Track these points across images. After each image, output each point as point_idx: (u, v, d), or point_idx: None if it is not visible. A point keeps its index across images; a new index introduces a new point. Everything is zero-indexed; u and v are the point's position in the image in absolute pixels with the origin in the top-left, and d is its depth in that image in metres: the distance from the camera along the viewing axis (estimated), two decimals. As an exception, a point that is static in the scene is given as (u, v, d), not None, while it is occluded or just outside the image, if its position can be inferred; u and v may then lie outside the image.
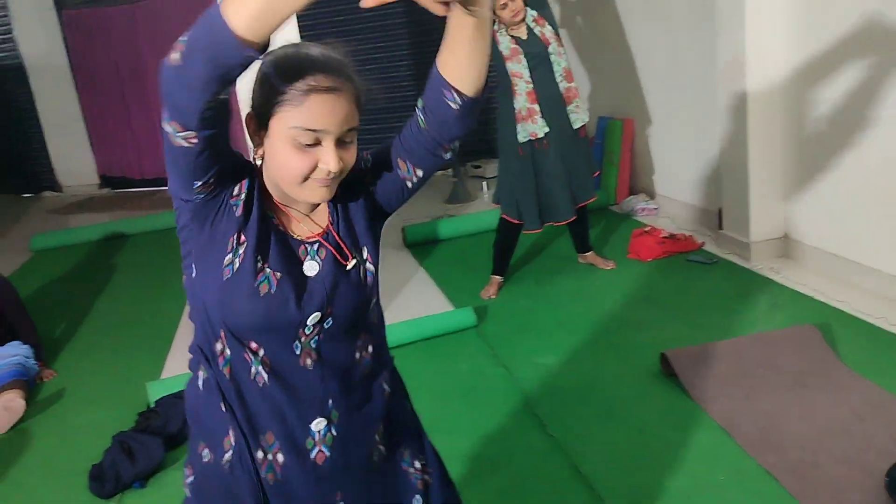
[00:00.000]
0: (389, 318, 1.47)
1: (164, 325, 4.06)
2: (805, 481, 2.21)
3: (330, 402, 1.23)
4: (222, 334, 1.21)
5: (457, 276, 4.26)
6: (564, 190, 3.82)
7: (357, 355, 1.25)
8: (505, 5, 3.60)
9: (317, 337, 1.20)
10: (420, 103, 1.19)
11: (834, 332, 3.09)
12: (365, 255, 1.23)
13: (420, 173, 1.25)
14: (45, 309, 4.48)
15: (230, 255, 1.17)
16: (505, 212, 3.90)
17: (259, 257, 1.17)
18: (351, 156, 1.15)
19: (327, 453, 1.23)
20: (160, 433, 2.82)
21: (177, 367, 3.46)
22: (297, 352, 1.20)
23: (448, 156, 1.23)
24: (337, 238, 1.22)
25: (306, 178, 1.13)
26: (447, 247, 4.98)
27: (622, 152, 5.36)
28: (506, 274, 4.10)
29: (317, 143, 1.11)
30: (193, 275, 1.22)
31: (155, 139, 7.82)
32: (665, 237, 4.35)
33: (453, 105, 1.13)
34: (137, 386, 3.33)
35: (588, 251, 4.26)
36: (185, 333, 3.91)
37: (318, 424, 1.22)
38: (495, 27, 3.66)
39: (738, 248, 4.10)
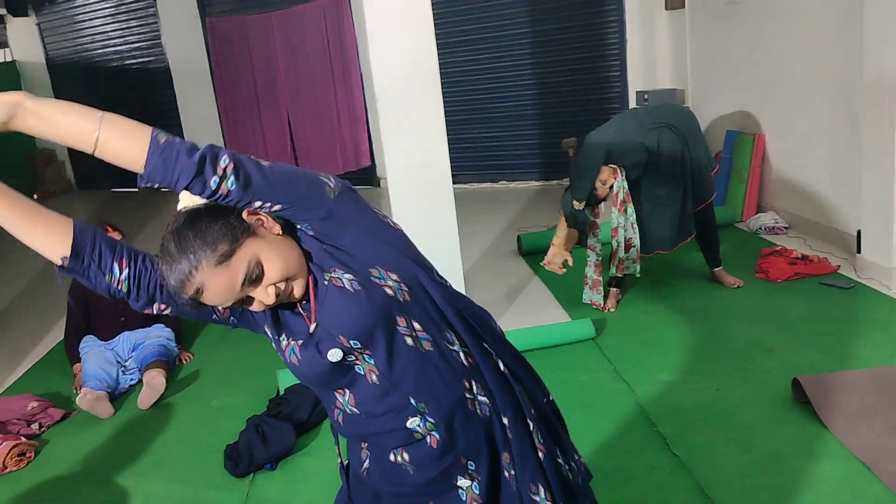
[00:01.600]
0: (505, 326, 1.51)
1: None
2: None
3: (411, 399, 1.30)
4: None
5: (572, 287, 4.22)
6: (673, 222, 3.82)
7: (409, 340, 1.29)
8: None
9: (365, 354, 1.28)
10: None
11: None
12: (337, 272, 1.24)
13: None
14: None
15: (273, 343, 1.35)
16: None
17: (278, 336, 1.31)
18: (276, 270, 1.19)
19: (437, 436, 1.33)
20: (291, 419, 2.96)
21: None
22: (362, 372, 1.29)
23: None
24: (314, 278, 1.26)
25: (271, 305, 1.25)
26: (564, 257, 4.94)
27: (751, 168, 5.18)
28: (623, 286, 4.05)
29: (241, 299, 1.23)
30: None
31: (283, 139, 8.20)
32: (797, 258, 4.17)
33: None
34: (268, 373, 3.51)
35: (716, 266, 4.13)
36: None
37: (414, 421, 1.31)
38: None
39: (879, 273, 3.87)
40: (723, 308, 3.84)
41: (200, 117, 8.55)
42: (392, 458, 1.37)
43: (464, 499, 1.37)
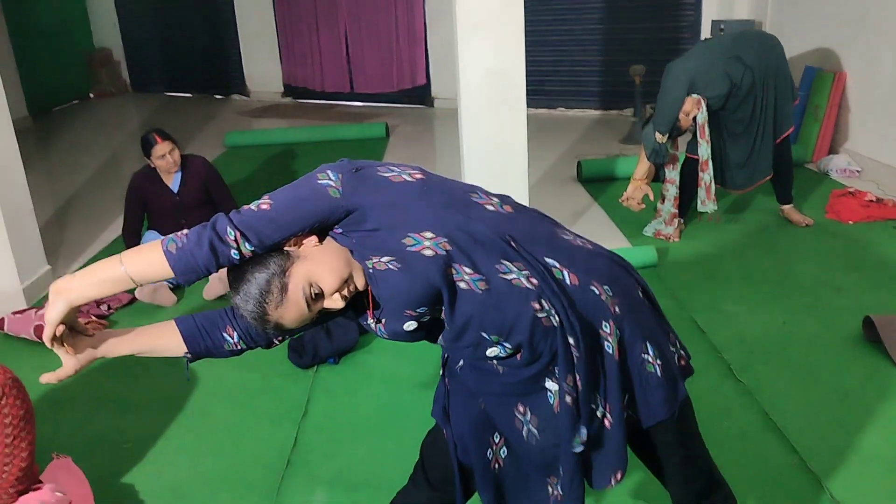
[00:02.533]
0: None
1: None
2: None
3: (484, 334, 1.33)
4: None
5: (635, 217, 4.13)
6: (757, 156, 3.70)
7: (463, 285, 1.28)
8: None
9: (443, 316, 1.31)
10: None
11: None
12: (374, 258, 1.26)
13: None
14: (236, 198, 4.82)
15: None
16: (689, 150, 3.78)
17: (366, 320, 1.39)
18: (331, 282, 1.26)
19: (521, 354, 1.34)
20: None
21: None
22: (439, 316, 1.34)
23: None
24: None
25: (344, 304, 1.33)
26: (622, 186, 4.86)
27: (828, 107, 4.98)
28: (686, 217, 3.97)
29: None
30: None
31: (338, 55, 8.09)
32: (870, 200, 4.04)
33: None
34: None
35: (787, 202, 4.02)
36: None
37: (493, 351, 1.34)
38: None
39: (958, 222, 3.73)
40: (791, 245, 3.75)
41: (257, 26, 8.46)
42: (485, 361, 1.39)
43: (551, 402, 1.37)
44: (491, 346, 1.33)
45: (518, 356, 1.34)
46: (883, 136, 4.64)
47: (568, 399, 1.33)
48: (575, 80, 7.23)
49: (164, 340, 1.39)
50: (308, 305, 1.26)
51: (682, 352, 1.46)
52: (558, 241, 1.35)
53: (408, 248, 1.24)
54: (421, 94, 7.89)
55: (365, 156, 6.14)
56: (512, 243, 1.29)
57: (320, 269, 1.26)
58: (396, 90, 7.93)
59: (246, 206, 1.25)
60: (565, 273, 1.31)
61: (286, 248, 1.26)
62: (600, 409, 1.36)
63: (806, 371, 2.64)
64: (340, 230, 1.28)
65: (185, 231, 1.24)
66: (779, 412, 2.40)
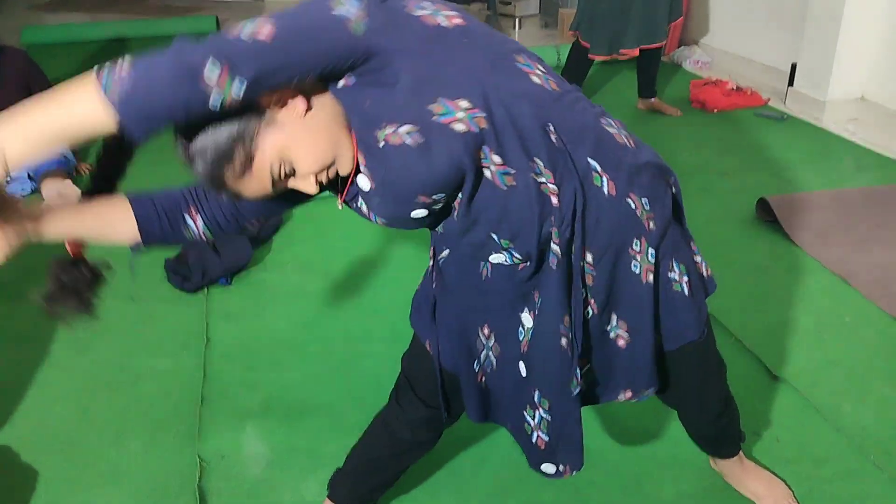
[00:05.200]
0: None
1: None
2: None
3: (494, 235, 1.13)
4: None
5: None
6: (638, 21, 3.63)
7: (487, 172, 1.05)
8: None
9: (454, 204, 1.08)
10: None
11: (928, 195, 3.03)
12: (389, 127, 0.99)
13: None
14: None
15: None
16: (585, 38, 3.69)
17: (356, 204, 1.13)
18: (308, 164, 1.00)
19: (527, 266, 1.15)
20: (242, 233, 2.63)
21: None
22: (457, 224, 1.13)
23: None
24: (360, 138, 1.03)
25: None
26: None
27: (678, 0, 5.06)
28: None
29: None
30: None
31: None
32: (732, 89, 4.18)
33: None
34: (193, 187, 3.11)
35: (653, 96, 4.06)
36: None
37: (498, 258, 1.15)
38: None
39: (810, 106, 3.96)
40: (667, 135, 3.80)
41: None
42: (480, 266, 1.19)
43: (520, 338, 1.20)
44: (497, 252, 1.12)
45: (522, 268, 1.14)
46: (731, 28, 4.80)
47: (563, 341, 1.15)
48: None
49: (115, 225, 1.11)
50: (272, 185, 1.00)
51: (704, 262, 1.34)
52: (605, 138, 1.11)
53: (435, 118, 0.96)
54: (249, -14, 7.15)
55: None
56: (552, 135, 1.04)
57: (299, 147, 0.98)
58: (220, -19, 7.12)
59: (230, 32, 0.90)
60: (604, 180, 1.10)
61: (264, 105, 0.95)
62: (613, 330, 1.21)
63: (717, 251, 2.67)
64: (354, 80, 0.97)
65: (122, 62, 0.87)
66: (710, 299, 2.40)
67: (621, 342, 1.22)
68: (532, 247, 1.09)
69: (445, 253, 1.24)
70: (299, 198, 1.12)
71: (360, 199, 1.11)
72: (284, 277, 2.57)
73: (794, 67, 4.09)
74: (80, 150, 3.41)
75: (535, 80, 1.05)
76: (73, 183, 3.04)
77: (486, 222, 1.08)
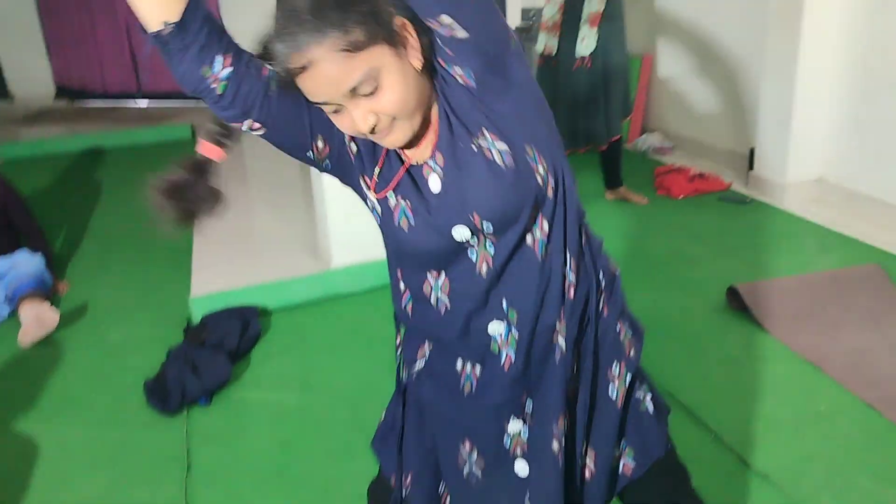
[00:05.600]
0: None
1: (175, 241, 3.81)
2: (911, 414, 2.22)
3: (504, 301, 1.13)
4: (399, 274, 1.18)
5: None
6: (593, 117, 3.80)
7: (527, 241, 1.10)
8: None
9: (488, 241, 1.09)
10: None
11: (890, 274, 3.11)
12: (488, 137, 1.03)
13: (446, 19, 0.92)
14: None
15: (368, 201, 1.14)
16: None
17: (388, 192, 1.10)
18: (386, 101, 0.97)
19: (513, 357, 1.15)
20: (221, 348, 2.64)
21: (208, 283, 3.24)
22: (475, 259, 1.10)
23: None
24: (451, 134, 1.05)
25: (362, 133, 1.01)
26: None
27: (639, 88, 5.28)
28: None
29: (337, 107, 0.99)
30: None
31: (121, 48, 7.28)
32: (695, 175, 4.32)
33: None
34: (170, 302, 3.15)
35: (620, 185, 4.19)
36: (204, 248, 3.67)
37: (497, 327, 1.14)
38: None
39: (772, 189, 4.10)
40: (636, 224, 3.90)
41: (14, 15, 7.31)
42: (459, 365, 1.19)
43: (507, 446, 1.20)
44: (499, 321, 1.12)
45: (507, 362, 1.14)
46: (688, 113, 5.00)
47: (555, 446, 1.16)
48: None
49: None
50: (348, 88, 0.94)
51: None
52: (602, 252, 1.21)
53: (527, 157, 1.03)
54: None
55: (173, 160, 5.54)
56: (584, 236, 1.15)
57: (398, 79, 0.96)
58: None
59: None
60: (601, 299, 1.17)
61: (395, 27, 0.95)
62: (581, 459, 1.23)
63: (690, 344, 2.73)
64: (473, 82, 0.98)
65: None
66: (679, 389, 2.44)
67: (588, 473, 1.23)
68: (536, 327, 1.12)
69: (420, 364, 1.23)
70: (312, 146, 1.07)
71: (402, 196, 1.08)
72: (264, 394, 2.56)
73: (752, 152, 4.26)
74: (56, 271, 3.42)
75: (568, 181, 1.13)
76: (51, 305, 3.04)
77: (508, 285, 1.10)
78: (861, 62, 3.69)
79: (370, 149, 1.10)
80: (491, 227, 1.06)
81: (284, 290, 3.13)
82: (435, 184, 1.07)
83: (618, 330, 1.19)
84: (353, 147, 1.10)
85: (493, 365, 1.16)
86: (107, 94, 7.52)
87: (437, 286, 1.14)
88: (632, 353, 1.21)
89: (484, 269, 1.10)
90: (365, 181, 1.11)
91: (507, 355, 1.15)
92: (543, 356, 1.16)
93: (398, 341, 1.30)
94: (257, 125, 1.03)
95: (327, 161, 1.10)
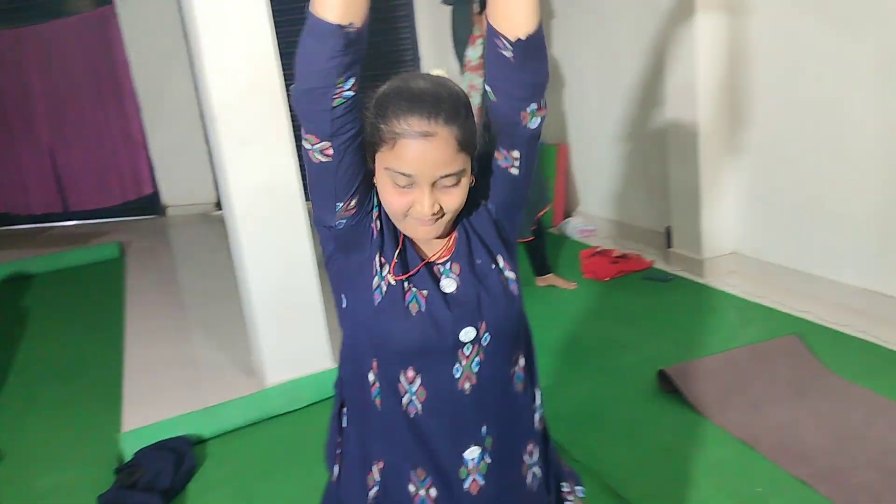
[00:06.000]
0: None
1: (105, 372, 3.73)
2: (841, 489, 2.29)
3: (484, 428, 1.19)
4: (374, 364, 1.19)
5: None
6: None
7: (511, 370, 1.22)
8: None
9: (477, 357, 1.17)
10: (486, 78, 1.16)
11: (809, 342, 3.25)
12: (501, 263, 1.21)
13: (516, 153, 1.16)
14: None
15: (377, 278, 1.17)
16: None
17: (405, 278, 1.17)
18: (454, 199, 1.11)
19: (481, 482, 1.19)
20: (153, 488, 2.55)
21: (140, 415, 3.15)
22: (458, 375, 1.17)
23: (532, 122, 1.13)
24: (469, 250, 1.20)
25: (406, 215, 1.12)
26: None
27: (556, 176, 5.48)
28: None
29: (412, 184, 1.09)
30: (344, 304, 1.21)
31: (44, 171, 7.20)
32: (618, 256, 4.47)
33: (506, 53, 1.07)
34: (100, 440, 3.04)
35: (548, 272, 4.29)
36: (135, 378, 3.59)
37: (472, 452, 1.18)
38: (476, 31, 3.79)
39: (690, 265, 4.27)
40: (566, 310, 3.99)
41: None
42: (412, 488, 1.19)
43: (464, 481, 1.22)
44: (475, 446, 1.19)
45: (474, 487, 1.19)
46: (606, 196, 5.20)
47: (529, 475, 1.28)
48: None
49: None
50: (442, 173, 1.08)
51: None
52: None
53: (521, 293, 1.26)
54: (149, 204, 7.30)
55: (102, 282, 5.52)
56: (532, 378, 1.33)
57: (463, 188, 1.13)
58: (120, 203, 7.24)
59: None
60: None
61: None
62: None
63: (627, 433, 2.77)
64: (494, 215, 1.23)
65: None
66: (619, 482, 2.46)
67: None
68: (509, 456, 1.23)
69: (375, 488, 1.22)
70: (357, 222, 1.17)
71: (415, 285, 1.16)
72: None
73: (668, 230, 4.44)
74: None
75: None
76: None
77: (487, 410, 1.20)
78: (753, 139, 3.94)
79: (392, 234, 1.18)
80: (488, 340, 1.17)
81: (218, 415, 3.06)
82: (449, 286, 1.17)
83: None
84: (378, 225, 1.18)
85: (456, 490, 1.18)
86: (32, 217, 7.39)
87: (412, 391, 1.17)
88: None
89: (467, 386, 1.17)
90: (381, 260, 1.17)
91: (475, 482, 1.18)
92: (512, 487, 1.22)
93: (333, 476, 1.29)
94: (330, 151, 1.08)
95: (345, 221, 1.15)
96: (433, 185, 1.08)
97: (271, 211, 3.10)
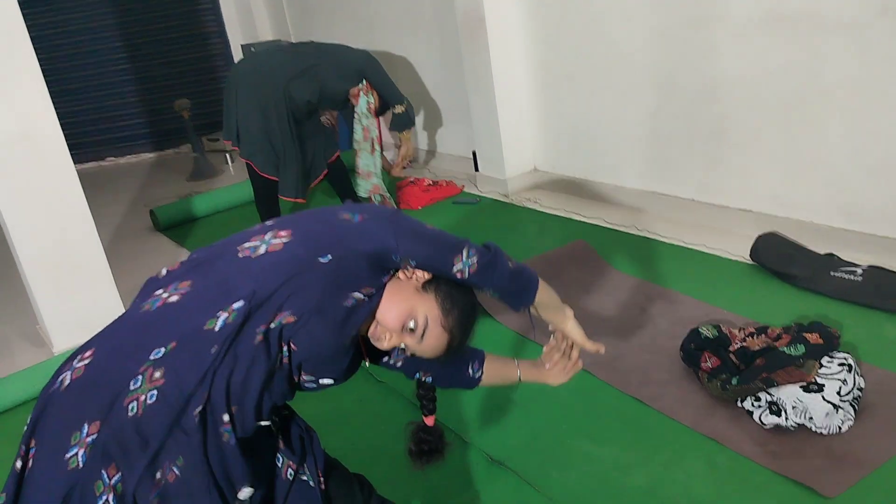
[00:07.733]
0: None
1: None
2: (617, 372, 2.47)
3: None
4: None
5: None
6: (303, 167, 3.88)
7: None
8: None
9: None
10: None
11: (598, 244, 3.44)
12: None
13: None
14: None
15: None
16: (262, 169, 3.76)
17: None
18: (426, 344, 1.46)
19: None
20: None
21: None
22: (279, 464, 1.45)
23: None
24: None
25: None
26: (206, 224, 4.69)
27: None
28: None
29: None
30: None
31: None
32: (429, 185, 4.51)
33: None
34: None
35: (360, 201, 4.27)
36: None
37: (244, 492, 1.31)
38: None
39: (496, 185, 4.38)
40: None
41: None
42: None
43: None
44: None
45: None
46: (420, 126, 5.22)
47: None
48: (118, 126, 6.73)
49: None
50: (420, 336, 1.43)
51: None
52: None
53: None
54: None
55: None
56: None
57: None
58: None
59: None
60: None
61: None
62: None
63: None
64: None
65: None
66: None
67: None
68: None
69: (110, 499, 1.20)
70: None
71: (387, 357, 1.58)
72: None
73: (474, 154, 4.52)
74: None
75: None
76: None
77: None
78: (542, 61, 4.05)
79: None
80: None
81: (6, 388, 2.84)
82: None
83: None
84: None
85: None
86: None
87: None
88: None
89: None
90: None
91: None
92: None
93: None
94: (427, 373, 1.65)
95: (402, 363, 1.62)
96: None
97: (33, 162, 2.84)
